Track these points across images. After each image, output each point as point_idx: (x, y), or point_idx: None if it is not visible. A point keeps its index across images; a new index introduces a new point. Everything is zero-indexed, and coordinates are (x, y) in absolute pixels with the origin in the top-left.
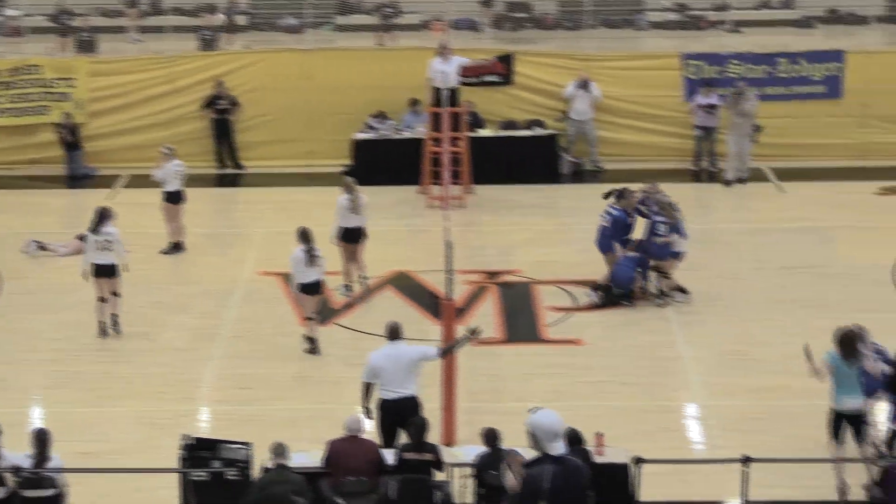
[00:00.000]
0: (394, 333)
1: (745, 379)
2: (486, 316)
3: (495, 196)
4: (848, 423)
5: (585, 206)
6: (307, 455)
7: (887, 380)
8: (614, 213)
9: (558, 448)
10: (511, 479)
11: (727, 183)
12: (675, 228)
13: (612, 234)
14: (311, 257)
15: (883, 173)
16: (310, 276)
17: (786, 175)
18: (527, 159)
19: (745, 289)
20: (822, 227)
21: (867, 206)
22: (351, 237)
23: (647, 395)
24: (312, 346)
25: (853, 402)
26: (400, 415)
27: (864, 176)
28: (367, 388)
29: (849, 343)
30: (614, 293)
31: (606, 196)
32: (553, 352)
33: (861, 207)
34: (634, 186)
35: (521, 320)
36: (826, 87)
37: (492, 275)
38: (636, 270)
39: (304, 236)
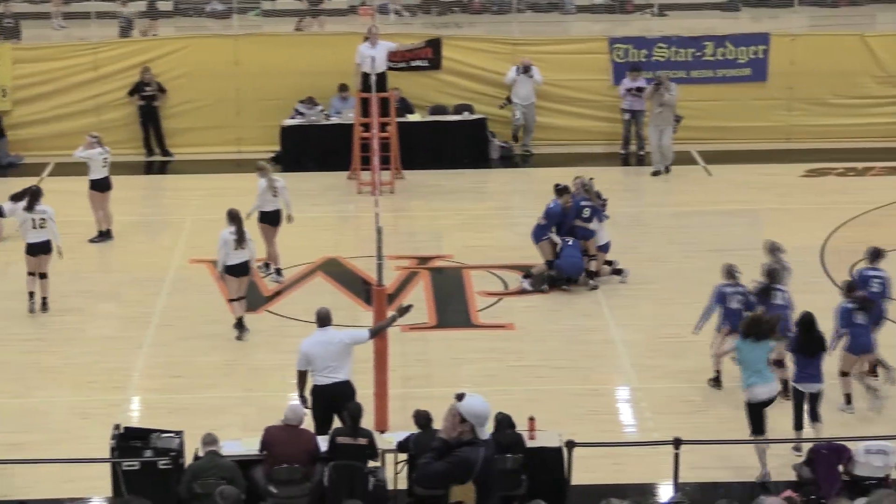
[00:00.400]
0: (323, 320)
1: (676, 361)
2: (418, 301)
3: (425, 181)
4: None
5: (515, 191)
6: (241, 443)
7: (793, 342)
8: (550, 205)
9: (487, 432)
10: (447, 429)
11: (655, 174)
12: (596, 212)
13: (546, 226)
14: (240, 240)
15: (809, 155)
16: (237, 257)
17: (713, 158)
18: (456, 144)
19: (675, 272)
20: (749, 210)
21: (794, 188)
22: (272, 220)
23: (579, 378)
24: (240, 328)
25: (765, 391)
26: (334, 400)
27: (791, 158)
28: (302, 377)
29: (753, 325)
30: (556, 277)
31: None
32: (485, 336)
33: (788, 189)
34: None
35: (452, 305)
36: (752, 69)
37: (423, 260)
38: (581, 257)
39: (234, 218)
